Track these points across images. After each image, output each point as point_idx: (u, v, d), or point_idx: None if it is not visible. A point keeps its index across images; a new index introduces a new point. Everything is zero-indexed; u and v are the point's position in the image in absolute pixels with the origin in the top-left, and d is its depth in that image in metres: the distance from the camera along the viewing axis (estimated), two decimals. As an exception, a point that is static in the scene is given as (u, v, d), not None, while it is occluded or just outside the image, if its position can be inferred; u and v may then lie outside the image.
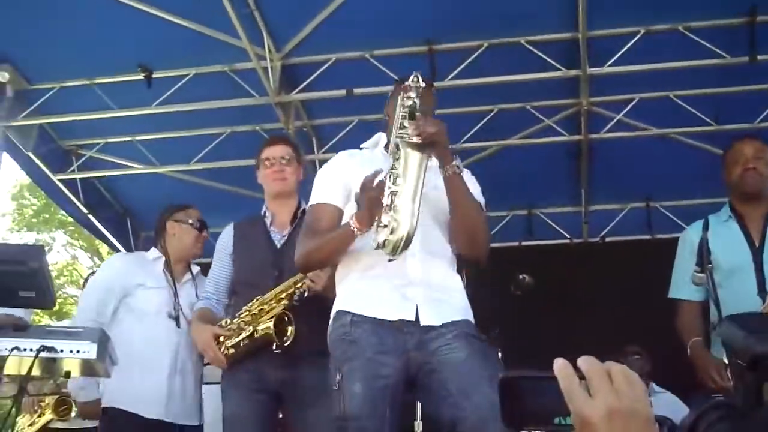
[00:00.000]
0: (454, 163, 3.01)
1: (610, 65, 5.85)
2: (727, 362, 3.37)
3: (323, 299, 3.88)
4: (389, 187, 2.83)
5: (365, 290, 3.12)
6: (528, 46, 5.90)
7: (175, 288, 4.46)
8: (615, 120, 6.52)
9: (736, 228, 3.78)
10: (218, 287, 4.16)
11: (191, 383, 4.42)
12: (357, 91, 6.12)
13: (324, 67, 6.18)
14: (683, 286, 3.91)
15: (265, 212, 4.16)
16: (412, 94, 2.98)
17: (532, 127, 6.65)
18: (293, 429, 3.98)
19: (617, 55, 5.80)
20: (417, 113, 2.92)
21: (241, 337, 3.83)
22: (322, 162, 7.08)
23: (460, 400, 2.87)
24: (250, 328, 3.82)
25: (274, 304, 3.82)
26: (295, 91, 6.31)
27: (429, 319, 3.03)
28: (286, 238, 4.06)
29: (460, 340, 3.00)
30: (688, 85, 6.24)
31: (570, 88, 6.32)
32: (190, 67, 6.30)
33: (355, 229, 2.95)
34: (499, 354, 4.89)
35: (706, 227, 3.73)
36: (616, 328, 6.46)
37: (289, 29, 6.00)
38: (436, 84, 5.80)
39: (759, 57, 5.61)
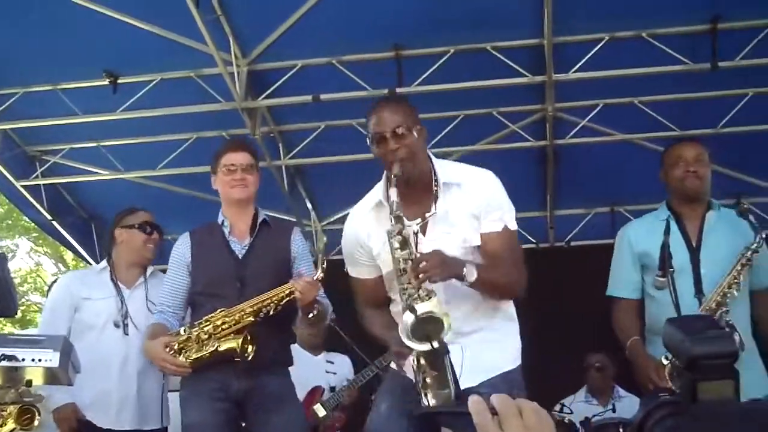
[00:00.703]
0: (464, 275, 2.98)
1: (575, 71, 5.90)
2: (665, 362, 3.43)
3: (287, 314, 3.89)
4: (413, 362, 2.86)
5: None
6: (494, 52, 5.93)
7: (122, 296, 4.44)
8: (580, 125, 6.58)
9: (674, 228, 3.82)
10: (174, 298, 4.06)
11: (149, 387, 4.40)
12: (324, 96, 6.11)
13: (290, 73, 6.17)
14: (621, 284, 3.96)
15: (223, 221, 4.10)
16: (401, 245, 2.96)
17: (498, 133, 6.69)
18: None
19: (582, 62, 5.85)
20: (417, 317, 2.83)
21: (203, 353, 3.77)
22: (289, 168, 7.14)
23: None
24: (214, 342, 3.77)
25: (238, 318, 3.79)
26: (261, 97, 6.29)
27: (466, 381, 3.01)
28: (247, 248, 4.03)
29: (489, 390, 2.98)
30: (652, 91, 6.32)
31: (535, 94, 6.35)
32: (156, 73, 6.26)
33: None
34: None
35: (667, 231, 3.76)
36: (582, 332, 6.50)
37: (256, 35, 5.98)
38: (402, 90, 5.89)
39: (720, 64, 5.69)
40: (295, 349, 4.28)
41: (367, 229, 3.29)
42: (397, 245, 2.95)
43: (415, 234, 3.08)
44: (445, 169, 3.26)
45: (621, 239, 4.04)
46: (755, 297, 3.80)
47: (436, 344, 2.74)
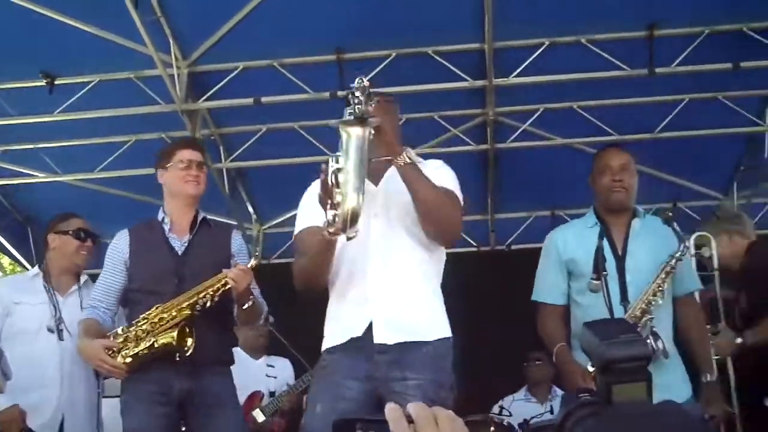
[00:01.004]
0: (404, 154, 3.03)
1: (515, 76, 5.97)
2: (591, 369, 3.47)
3: (225, 309, 3.87)
4: (332, 166, 2.80)
5: (333, 318, 3.21)
6: (435, 57, 5.96)
7: (56, 301, 4.37)
8: (520, 130, 6.64)
9: (600, 234, 3.88)
10: (108, 294, 3.98)
11: (82, 394, 4.33)
12: (265, 99, 6.09)
13: (231, 75, 6.14)
14: (547, 289, 3.99)
15: (163, 218, 4.06)
16: (358, 94, 2.88)
17: (440, 137, 6.72)
18: None
19: (522, 66, 5.92)
20: (357, 94, 2.82)
21: (140, 348, 3.73)
22: (230, 171, 7.09)
23: None
24: (151, 338, 3.73)
25: (175, 313, 3.75)
26: (202, 99, 6.25)
27: (382, 336, 3.06)
28: (186, 245, 4.00)
29: (420, 395, 2.99)
30: (591, 96, 6.42)
31: (477, 98, 6.41)
32: (94, 74, 6.18)
33: (325, 233, 2.92)
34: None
35: (602, 236, 3.80)
36: (523, 334, 6.55)
37: (197, 37, 5.94)
38: (344, 93, 5.88)
39: (657, 70, 5.80)
40: (237, 352, 4.24)
41: None
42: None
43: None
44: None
45: (548, 245, 4.06)
46: (676, 303, 3.85)
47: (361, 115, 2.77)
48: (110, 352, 3.74)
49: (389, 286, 3.13)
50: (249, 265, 3.77)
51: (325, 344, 3.23)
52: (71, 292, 4.49)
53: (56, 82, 6.17)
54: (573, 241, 3.92)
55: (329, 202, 2.83)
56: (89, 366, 4.21)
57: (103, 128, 6.58)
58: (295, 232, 3.37)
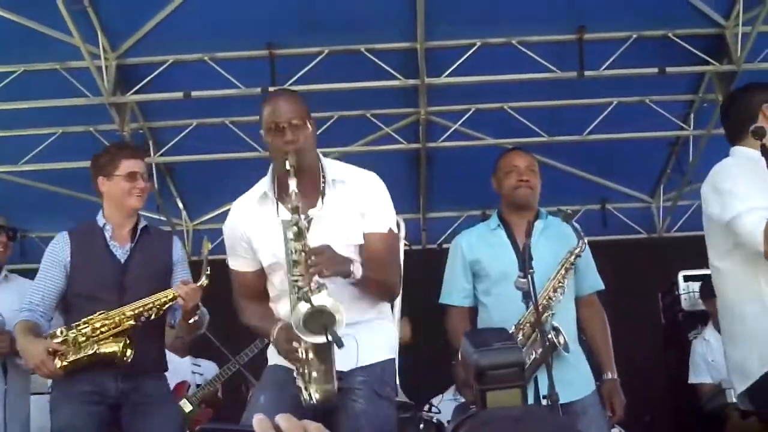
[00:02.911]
0: (352, 272, 2.99)
1: (447, 75, 6.00)
2: None
3: (163, 319, 3.88)
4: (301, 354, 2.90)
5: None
6: (368, 54, 5.96)
7: None
8: (452, 129, 6.68)
9: (503, 236, 3.93)
10: (46, 299, 3.85)
11: None
12: (195, 94, 6.03)
13: (161, 69, 6.05)
14: (453, 292, 4.04)
15: (104, 224, 3.95)
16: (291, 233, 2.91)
17: (372, 135, 6.73)
18: None
19: (454, 66, 5.95)
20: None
21: (80, 355, 3.65)
22: (159, 166, 6.98)
23: None
24: (92, 345, 3.66)
25: (119, 321, 3.69)
26: (130, 92, 6.15)
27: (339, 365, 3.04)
28: (128, 254, 3.92)
29: (366, 388, 3.06)
30: (522, 98, 6.48)
31: (409, 97, 6.43)
32: (18, 64, 6.04)
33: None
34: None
35: (529, 234, 3.84)
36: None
37: (126, 28, 5.85)
38: (275, 89, 5.85)
39: (586, 73, 5.89)
40: (162, 350, 4.17)
41: (249, 222, 3.24)
42: (291, 236, 2.90)
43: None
44: (332, 166, 3.28)
45: (454, 248, 4.11)
46: (578, 303, 3.93)
47: (331, 337, 2.75)
48: (53, 355, 3.66)
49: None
50: (199, 284, 3.74)
51: (273, 360, 3.22)
52: None
53: (-21, 71, 6.02)
54: (477, 242, 3.97)
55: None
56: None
57: (28, 120, 6.44)
58: (229, 263, 3.34)
